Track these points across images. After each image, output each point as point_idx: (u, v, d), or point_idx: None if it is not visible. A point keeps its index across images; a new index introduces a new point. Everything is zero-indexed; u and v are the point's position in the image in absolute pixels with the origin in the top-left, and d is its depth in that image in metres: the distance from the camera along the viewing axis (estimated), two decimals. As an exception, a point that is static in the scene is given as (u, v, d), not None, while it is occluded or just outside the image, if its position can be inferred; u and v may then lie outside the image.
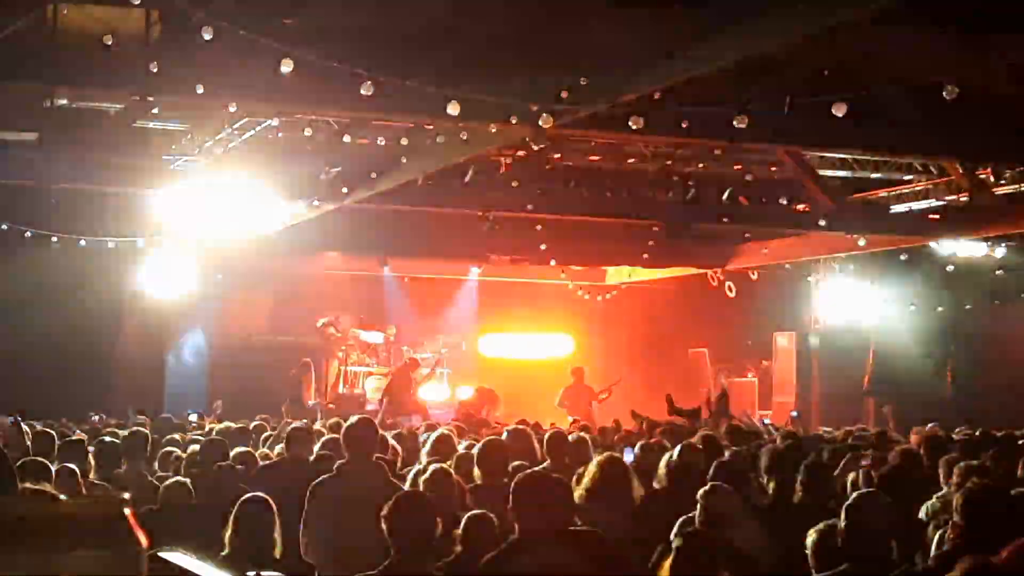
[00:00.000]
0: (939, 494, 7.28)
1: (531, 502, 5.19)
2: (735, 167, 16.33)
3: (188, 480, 7.61)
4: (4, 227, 17.11)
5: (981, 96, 10.53)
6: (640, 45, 9.28)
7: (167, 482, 7.60)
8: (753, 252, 20.47)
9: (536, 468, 6.94)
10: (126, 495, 7.20)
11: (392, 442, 8.63)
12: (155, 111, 13.29)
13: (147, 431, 9.89)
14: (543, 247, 19.36)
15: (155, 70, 9.35)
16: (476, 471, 7.32)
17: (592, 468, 6.95)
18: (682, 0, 8.96)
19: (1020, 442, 10.34)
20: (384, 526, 5.11)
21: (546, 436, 8.52)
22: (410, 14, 9.41)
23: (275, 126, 13.70)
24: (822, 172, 15.86)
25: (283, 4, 9.36)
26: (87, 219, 17.61)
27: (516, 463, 7.26)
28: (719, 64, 9.05)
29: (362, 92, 9.18)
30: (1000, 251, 18.46)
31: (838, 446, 10.04)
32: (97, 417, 15.81)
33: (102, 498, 7.06)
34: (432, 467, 6.96)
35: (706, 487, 6.23)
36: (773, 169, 16.41)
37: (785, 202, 17.20)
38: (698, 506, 6.09)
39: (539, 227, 18.64)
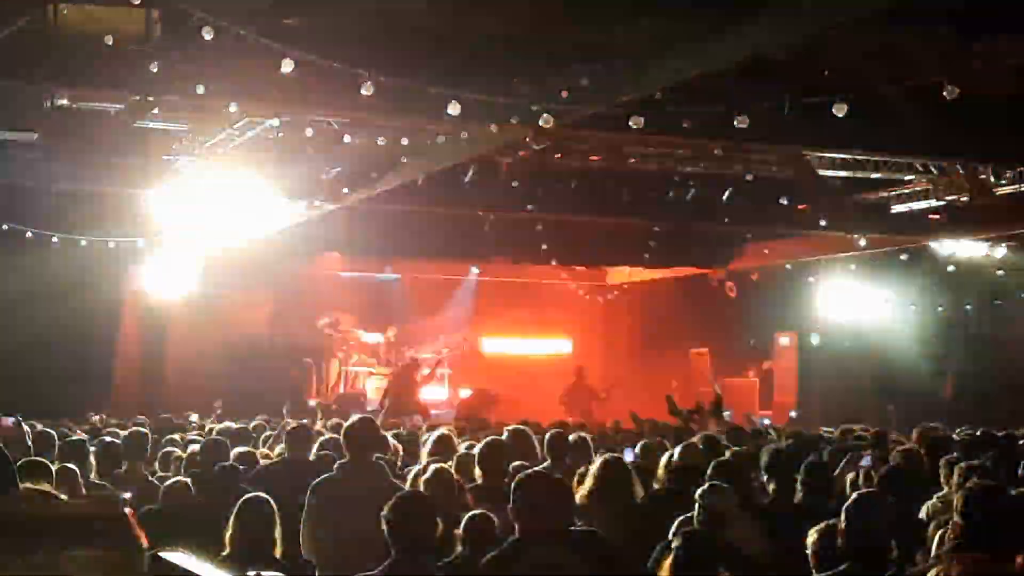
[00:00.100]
0: (939, 494, 7.27)
1: (531, 502, 5.19)
2: (735, 167, 16.32)
3: (188, 480, 7.61)
4: (4, 227, 17.11)
5: (981, 96, 10.53)
6: (640, 45, 9.28)
7: (167, 482, 7.60)
8: (754, 252, 20.47)
9: (536, 468, 6.94)
10: (126, 495, 7.25)
11: (392, 441, 8.64)
12: (155, 111, 13.27)
13: (147, 431, 9.90)
14: (543, 247, 19.37)
15: (155, 70, 9.36)
16: (476, 471, 7.32)
17: (594, 469, 6.97)
18: (682, 0, 8.98)
19: (1021, 442, 10.32)
20: (384, 526, 5.11)
21: (546, 436, 8.52)
22: (410, 14, 9.42)
23: (275, 126, 13.69)
24: (822, 172, 15.86)
25: (283, 4, 9.37)
26: (87, 219, 17.58)
27: (516, 463, 7.26)
28: (719, 64, 9.06)
29: (362, 92, 9.19)
30: (1000, 251, 18.45)
31: (843, 444, 10.04)
32: (97, 417, 15.79)
33: (102, 498, 7.07)
34: (432, 467, 6.96)
35: (705, 487, 6.23)
36: (773, 169, 16.40)
37: (785, 202, 17.20)
38: (697, 506, 6.09)
39: (539, 227, 18.64)
